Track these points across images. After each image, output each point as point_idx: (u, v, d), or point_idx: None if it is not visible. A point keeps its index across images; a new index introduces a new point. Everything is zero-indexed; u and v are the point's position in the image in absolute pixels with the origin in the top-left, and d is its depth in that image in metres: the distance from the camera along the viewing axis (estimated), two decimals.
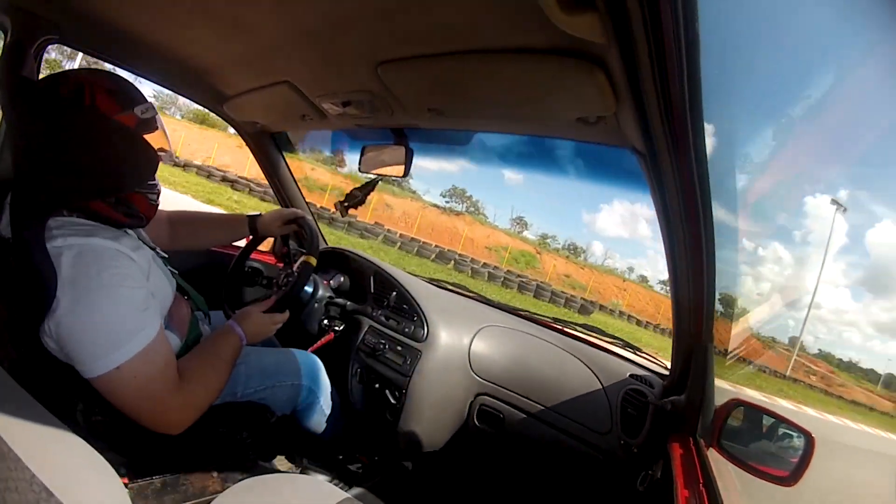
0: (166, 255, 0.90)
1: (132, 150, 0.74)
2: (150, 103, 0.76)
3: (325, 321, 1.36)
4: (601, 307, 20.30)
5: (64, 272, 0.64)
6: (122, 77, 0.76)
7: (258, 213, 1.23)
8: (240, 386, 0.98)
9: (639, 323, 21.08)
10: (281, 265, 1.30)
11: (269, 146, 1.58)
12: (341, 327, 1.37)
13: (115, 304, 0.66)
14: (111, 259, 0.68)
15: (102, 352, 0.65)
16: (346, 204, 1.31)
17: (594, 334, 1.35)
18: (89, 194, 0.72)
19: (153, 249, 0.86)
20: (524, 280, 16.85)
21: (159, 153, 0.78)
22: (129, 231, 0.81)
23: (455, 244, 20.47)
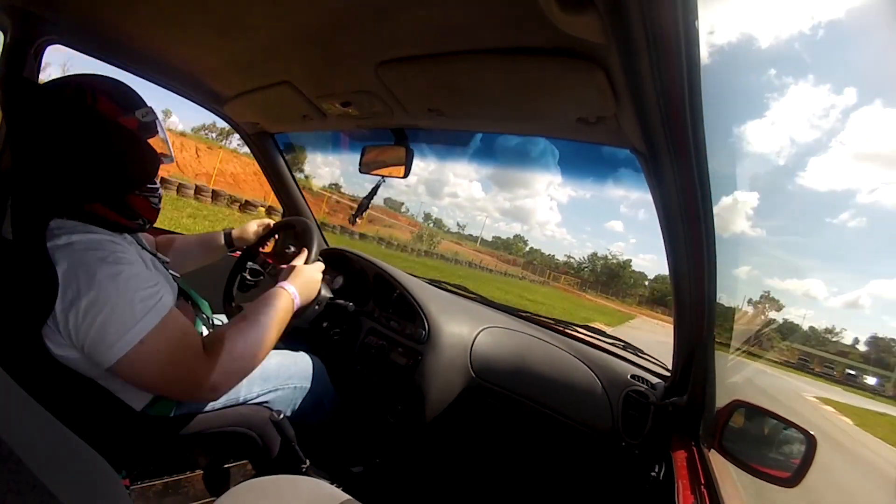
0: (168, 260, 0.90)
1: (131, 152, 0.74)
2: (150, 107, 0.77)
3: (326, 323, 1.36)
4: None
5: (68, 266, 0.64)
6: (122, 82, 0.76)
7: (231, 228, 1.28)
8: (243, 390, 0.98)
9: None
10: (283, 266, 1.30)
11: (269, 147, 1.58)
12: (343, 328, 1.36)
13: (124, 283, 0.67)
14: (112, 246, 0.69)
15: (122, 330, 0.64)
16: (355, 215, 1.41)
17: (595, 335, 1.35)
18: (89, 196, 0.73)
19: (153, 255, 0.86)
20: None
21: (161, 157, 0.79)
22: (129, 236, 0.81)
23: None
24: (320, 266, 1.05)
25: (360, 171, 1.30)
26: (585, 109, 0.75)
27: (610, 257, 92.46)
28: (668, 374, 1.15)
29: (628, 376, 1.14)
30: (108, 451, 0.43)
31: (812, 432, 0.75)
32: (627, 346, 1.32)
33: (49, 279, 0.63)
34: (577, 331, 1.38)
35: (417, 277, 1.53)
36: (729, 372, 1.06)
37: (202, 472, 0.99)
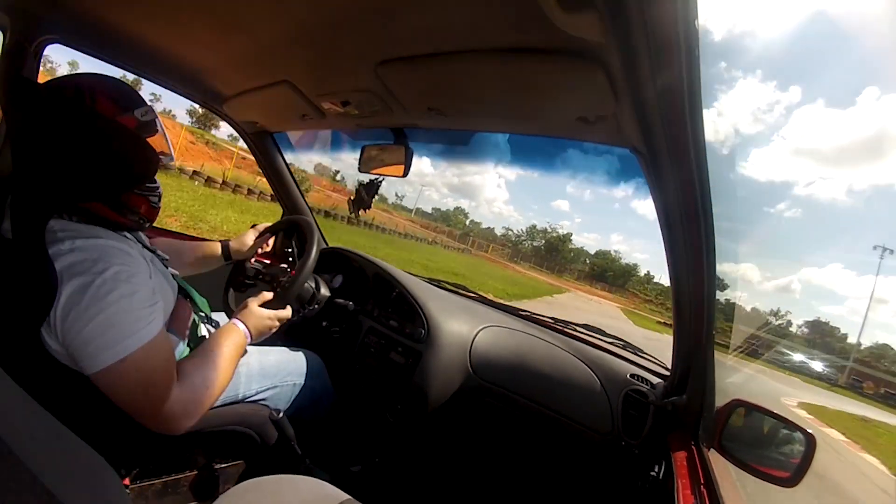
0: (167, 258, 0.90)
1: (130, 151, 0.74)
2: (150, 107, 0.77)
3: (326, 322, 1.36)
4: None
5: (71, 271, 0.64)
6: (121, 81, 0.76)
7: (228, 239, 1.25)
8: (242, 387, 0.98)
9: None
10: (282, 266, 1.30)
11: (268, 146, 1.58)
12: (342, 327, 1.37)
13: (122, 298, 0.66)
14: (117, 256, 0.69)
15: (108, 344, 0.65)
16: (358, 206, 1.37)
17: (595, 335, 1.35)
18: (87, 194, 0.73)
19: (153, 252, 0.86)
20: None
21: (160, 156, 0.79)
22: (128, 235, 0.81)
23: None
24: (281, 314, 1.00)
25: (360, 171, 1.30)
26: (585, 109, 0.75)
27: (549, 230, 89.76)
28: (667, 373, 1.15)
29: (628, 375, 1.14)
30: (107, 450, 0.43)
31: (810, 431, 0.75)
32: (627, 346, 1.32)
33: (48, 279, 0.63)
34: (576, 330, 1.38)
35: (417, 276, 1.53)
36: (729, 371, 1.05)
37: (201, 471, 0.99)
